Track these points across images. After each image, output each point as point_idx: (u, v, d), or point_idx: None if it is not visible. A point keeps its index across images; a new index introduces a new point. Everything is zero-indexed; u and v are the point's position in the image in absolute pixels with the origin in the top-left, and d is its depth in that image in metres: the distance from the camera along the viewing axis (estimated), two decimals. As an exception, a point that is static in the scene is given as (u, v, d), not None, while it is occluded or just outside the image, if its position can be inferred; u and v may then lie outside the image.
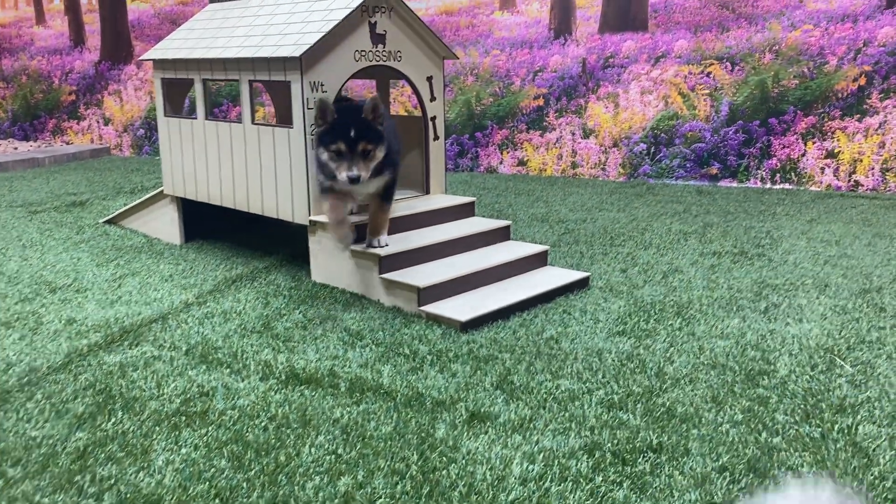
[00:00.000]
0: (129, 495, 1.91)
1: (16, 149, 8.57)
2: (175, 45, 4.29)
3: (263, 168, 3.73)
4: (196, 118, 4.12)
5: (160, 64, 4.32)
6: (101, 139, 8.82)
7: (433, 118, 4.01)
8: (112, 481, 1.98)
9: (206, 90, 4.10)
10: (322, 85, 3.49)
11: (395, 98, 7.17)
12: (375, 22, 3.64)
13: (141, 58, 4.52)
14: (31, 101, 9.20)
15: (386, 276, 3.28)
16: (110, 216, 5.02)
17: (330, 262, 3.56)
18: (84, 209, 5.51)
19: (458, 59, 4.28)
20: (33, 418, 2.33)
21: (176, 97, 4.41)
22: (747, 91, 6.06)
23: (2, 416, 2.34)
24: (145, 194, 5.35)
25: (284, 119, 4.44)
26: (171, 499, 1.89)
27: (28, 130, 9.26)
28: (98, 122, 8.83)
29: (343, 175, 3.09)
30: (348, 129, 3.10)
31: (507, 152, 7.01)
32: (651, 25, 6.39)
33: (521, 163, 6.94)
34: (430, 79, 3.95)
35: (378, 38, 3.67)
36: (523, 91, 6.87)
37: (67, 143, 9.01)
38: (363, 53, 3.63)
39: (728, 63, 6.11)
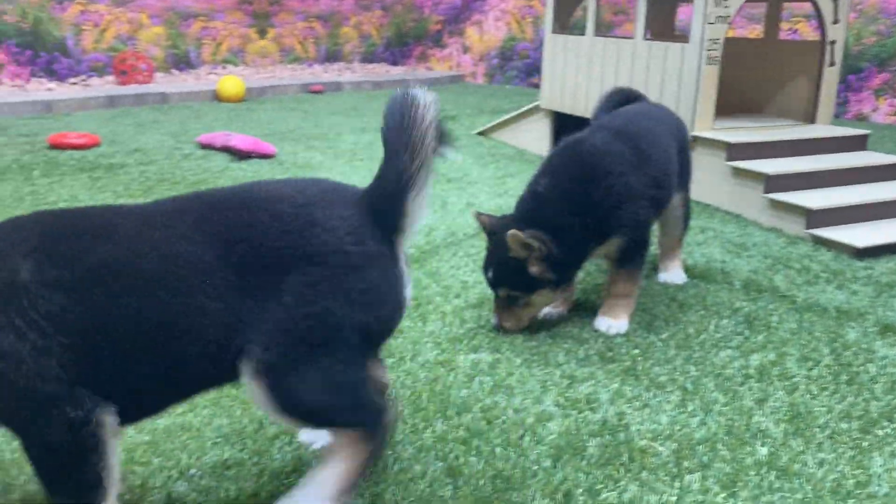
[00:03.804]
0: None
1: (388, 72, 9.69)
2: (570, -35, 4.52)
3: (649, 84, 3.84)
4: (584, 35, 4.34)
5: (552, -17, 4.59)
6: (459, 66, 9.60)
7: (832, 42, 3.79)
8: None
9: (598, 6, 4.28)
10: None
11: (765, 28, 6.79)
12: (789, -64, 3.50)
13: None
14: (403, 29, 10.27)
15: (772, 195, 3.24)
16: (482, 128, 5.52)
17: (703, 178, 3.58)
18: (455, 122, 6.11)
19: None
20: (461, 268, 2.74)
21: (564, 14, 4.67)
22: None
23: (437, 264, 2.79)
24: (503, 115, 5.78)
25: (660, 35, 4.48)
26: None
27: (397, 56, 10.39)
28: (458, 50, 9.61)
29: (493, 321, 2.30)
30: (488, 267, 2.30)
31: (885, 99, 6.32)
32: None
33: (900, 111, 6.22)
34: (835, -1, 3.72)
35: (789, -46, 3.53)
36: (917, 30, 6.10)
37: (429, 69, 9.96)
38: (770, -31, 3.52)
39: None
